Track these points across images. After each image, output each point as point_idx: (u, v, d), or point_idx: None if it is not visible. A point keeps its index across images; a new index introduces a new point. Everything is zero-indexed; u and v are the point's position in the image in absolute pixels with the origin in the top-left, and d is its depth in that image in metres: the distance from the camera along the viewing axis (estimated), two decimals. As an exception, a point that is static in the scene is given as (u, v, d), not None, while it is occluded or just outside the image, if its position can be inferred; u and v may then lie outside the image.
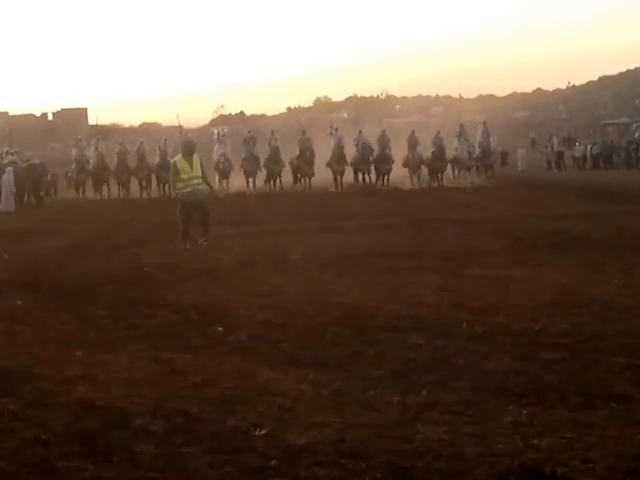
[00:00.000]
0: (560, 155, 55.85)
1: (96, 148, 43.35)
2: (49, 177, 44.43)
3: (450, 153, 39.24)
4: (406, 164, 39.35)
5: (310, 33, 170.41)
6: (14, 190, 34.75)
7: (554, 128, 66.76)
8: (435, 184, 38.81)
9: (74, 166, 43.36)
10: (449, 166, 39.84)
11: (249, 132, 42.13)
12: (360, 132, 40.12)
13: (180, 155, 17.28)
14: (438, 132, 39.32)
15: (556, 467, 4.78)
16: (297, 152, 40.62)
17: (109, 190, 42.99)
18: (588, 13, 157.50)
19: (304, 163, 40.37)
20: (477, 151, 39.41)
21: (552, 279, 11.05)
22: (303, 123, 46.22)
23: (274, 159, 40.36)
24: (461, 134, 39.61)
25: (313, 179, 40.47)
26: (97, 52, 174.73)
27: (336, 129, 40.51)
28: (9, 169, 35.80)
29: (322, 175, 40.09)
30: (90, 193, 43.30)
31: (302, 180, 40.94)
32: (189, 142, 17.93)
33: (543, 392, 6.12)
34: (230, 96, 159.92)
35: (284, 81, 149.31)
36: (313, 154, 40.48)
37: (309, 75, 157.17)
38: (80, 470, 5.06)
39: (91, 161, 42.97)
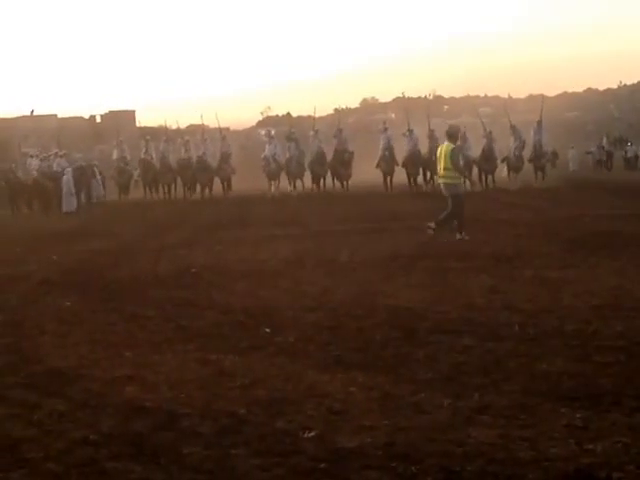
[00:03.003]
0: (609, 155, 55.24)
1: (146, 151, 43.60)
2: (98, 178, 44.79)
3: (503, 153, 38.81)
4: None
5: (356, 33, 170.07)
6: (74, 191, 35.19)
7: (605, 128, 66.01)
8: (485, 185, 38.43)
9: (119, 167, 43.68)
10: (505, 166, 39.38)
11: (292, 132, 42.04)
12: (412, 131, 39.74)
13: (449, 142, 17.15)
14: (489, 132, 38.92)
15: (612, 472, 4.72)
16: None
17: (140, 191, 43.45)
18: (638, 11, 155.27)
19: (340, 164, 40.15)
20: (530, 152, 38.82)
21: (605, 281, 10.90)
22: (350, 124, 46.08)
23: (318, 161, 40.22)
24: (514, 134, 39.09)
25: (362, 180, 40.34)
26: (145, 54, 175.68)
27: (386, 128, 40.23)
28: (68, 170, 36.28)
29: (374, 176, 40.00)
30: (134, 194, 43.68)
31: (342, 182, 40.71)
32: (458, 128, 17.86)
33: (597, 395, 6.02)
34: (276, 98, 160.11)
35: (331, 82, 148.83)
36: (351, 155, 40.25)
37: (356, 76, 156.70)
38: (128, 471, 5.07)
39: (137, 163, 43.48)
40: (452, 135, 17.34)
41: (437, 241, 16.15)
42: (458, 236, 16.44)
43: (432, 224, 16.68)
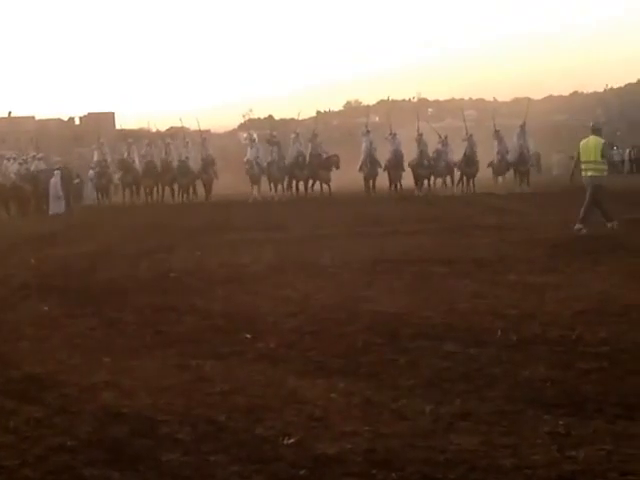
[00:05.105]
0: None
1: (128, 154, 43.50)
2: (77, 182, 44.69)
3: (488, 158, 38.95)
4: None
5: (342, 40, 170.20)
6: (61, 194, 35.19)
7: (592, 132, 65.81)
8: (467, 189, 38.58)
9: (96, 170, 43.47)
10: (490, 171, 39.53)
11: (273, 135, 41.99)
12: (395, 135, 39.74)
13: (596, 136, 18.10)
14: (470, 135, 39.04)
15: (594, 479, 4.68)
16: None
17: (118, 195, 43.40)
18: (626, 15, 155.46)
19: (320, 167, 40.13)
20: (514, 156, 38.93)
21: (589, 286, 10.88)
22: (334, 127, 46.21)
23: (299, 165, 40.17)
24: (497, 138, 39.21)
25: (345, 183, 40.38)
26: (124, 55, 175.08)
27: (368, 131, 40.22)
28: (57, 172, 36.34)
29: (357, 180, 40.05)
30: (114, 198, 43.64)
31: (322, 186, 40.65)
32: (601, 123, 18.88)
33: (580, 402, 5.99)
34: (259, 103, 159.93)
35: (314, 88, 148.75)
36: (337, 159, 40.26)
37: (339, 81, 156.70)
38: (106, 478, 5.01)
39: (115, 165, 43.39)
40: (599, 129, 18.50)
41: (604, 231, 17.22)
42: (609, 225, 17.59)
43: (579, 225, 17.53)
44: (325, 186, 40.20)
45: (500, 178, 39.71)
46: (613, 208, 18.21)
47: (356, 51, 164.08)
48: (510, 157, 38.75)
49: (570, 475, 4.74)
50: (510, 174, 39.60)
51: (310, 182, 40.98)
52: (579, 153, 18.21)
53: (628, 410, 5.76)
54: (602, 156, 17.70)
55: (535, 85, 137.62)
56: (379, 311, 9.70)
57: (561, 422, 5.57)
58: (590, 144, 17.88)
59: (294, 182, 40.94)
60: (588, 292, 10.44)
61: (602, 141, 17.94)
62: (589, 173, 17.83)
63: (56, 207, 34.73)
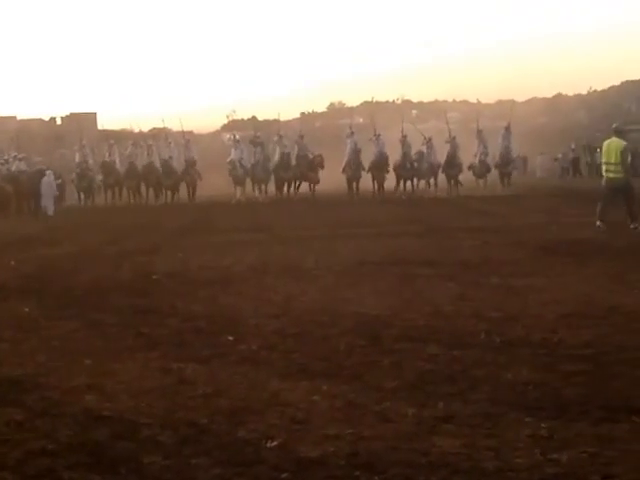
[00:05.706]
0: (575, 162, 55.52)
1: (109, 155, 43.43)
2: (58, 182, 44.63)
3: (468, 160, 39.08)
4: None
5: (325, 42, 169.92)
6: (56, 193, 35.14)
7: (575, 134, 66.10)
8: (450, 191, 38.66)
9: (76, 172, 43.34)
10: (470, 173, 39.66)
11: (257, 136, 41.96)
12: (379, 136, 39.75)
13: (619, 138, 18.40)
14: (453, 137, 39.17)
15: (577, 482, 4.66)
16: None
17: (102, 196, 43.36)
18: (608, 18, 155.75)
19: (307, 169, 40.14)
20: (497, 158, 39.07)
21: (573, 289, 10.89)
22: (317, 128, 46.33)
23: (284, 166, 40.15)
24: (480, 138, 39.33)
25: (329, 185, 40.39)
26: (106, 55, 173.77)
27: (352, 132, 40.23)
28: (49, 172, 36.28)
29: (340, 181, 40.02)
30: (96, 199, 43.56)
31: (311, 187, 40.63)
32: (623, 126, 19.49)
33: (563, 405, 5.97)
34: (243, 104, 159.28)
35: (298, 89, 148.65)
36: (321, 158, 40.28)
37: (323, 82, 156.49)
38: (87, 481, 4.94)
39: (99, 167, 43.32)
40: (622, 131, 18.92)
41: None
42: (632, 225, 17.87)
43: (634, 224, 17.90)
44: (314, 187, 40.25)
45: (481, 181, 39.82)
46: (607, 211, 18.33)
47: (340, 52, 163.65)
48: (492, 159, 38.92)
49: (553, 478, 4.72)
50: (495, 176, 39.72)
51: (297, 183, 41.01)
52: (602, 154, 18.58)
53: (612, 413, 5.75)
54: (622, 159, 17.94)
55: (519, 87, 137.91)
56: (362, 313, 9.68)
57: (544, 425, 5.55)
58: (612, 146, 18.14)
59: (280, 183, 40.92)
60: (571, 294, 10.46)
61: (624, 143, 18.15)
62: (611, 175, 18.13)
63: (49, 207, 34.73)
